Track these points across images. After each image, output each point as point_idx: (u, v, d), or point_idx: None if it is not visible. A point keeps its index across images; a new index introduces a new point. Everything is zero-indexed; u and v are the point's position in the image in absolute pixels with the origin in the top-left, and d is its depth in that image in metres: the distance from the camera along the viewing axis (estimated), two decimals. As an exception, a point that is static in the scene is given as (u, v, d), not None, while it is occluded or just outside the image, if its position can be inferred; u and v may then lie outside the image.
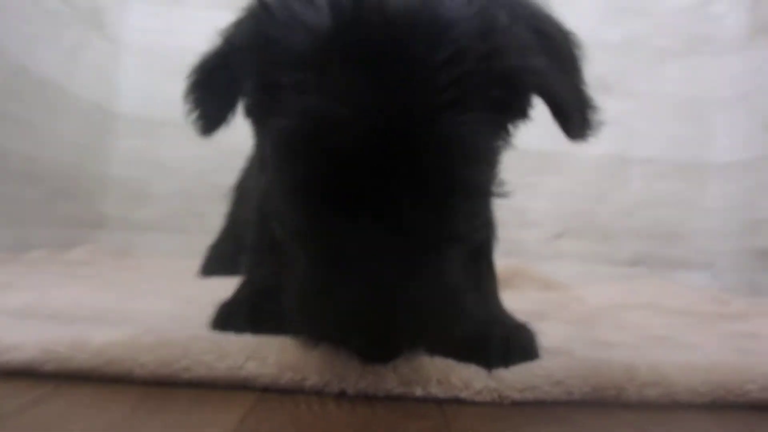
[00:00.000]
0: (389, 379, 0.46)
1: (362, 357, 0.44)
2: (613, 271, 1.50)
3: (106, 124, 1.48)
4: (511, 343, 0.51)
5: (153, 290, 0.83)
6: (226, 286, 0.96)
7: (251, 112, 0.50)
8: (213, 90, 0.51)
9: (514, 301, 0.62)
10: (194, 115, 0.52)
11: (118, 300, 0.70)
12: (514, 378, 0.47)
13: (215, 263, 1.19)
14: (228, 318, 0.57)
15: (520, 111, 0.48)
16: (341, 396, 0.45)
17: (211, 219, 1.51)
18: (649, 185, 1.52)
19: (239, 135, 1.62)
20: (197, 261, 1.26)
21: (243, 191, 1.24)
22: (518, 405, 0.46)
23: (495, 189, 0.47)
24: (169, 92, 1.49)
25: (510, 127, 0.49)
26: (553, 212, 1.51)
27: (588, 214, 1.52)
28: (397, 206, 0.41)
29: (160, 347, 0.46)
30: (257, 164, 0.68)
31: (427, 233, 0.43)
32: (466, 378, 0.46)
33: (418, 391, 0.46)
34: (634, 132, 1.47)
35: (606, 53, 1.42)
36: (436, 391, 0.46)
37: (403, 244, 0.41)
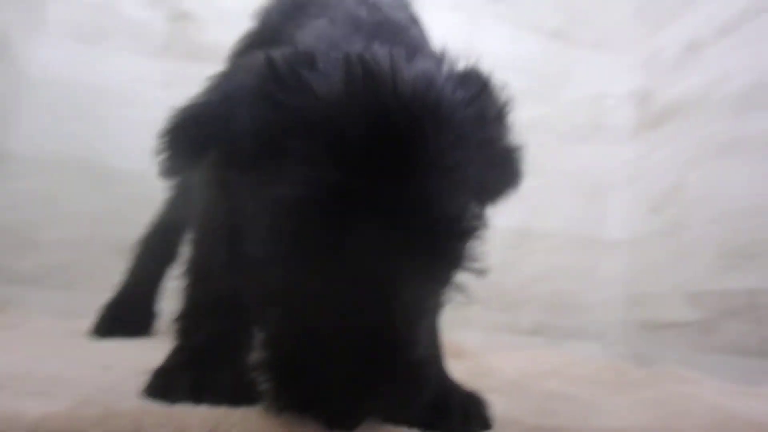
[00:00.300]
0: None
1: (329, 425, 0.43)
2: (515, 340, 1.58)
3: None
4: (470, 411, 0.53)
5: (58, 354, 0.74)
6: (135, 350, 0.89)
7: (236, 168, 0.48)
8: (194, 136, 0.48)
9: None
10: (165, 154, 0.49)
11: (26, 365, 0.62)
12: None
13: (112, 323, 1.09)
14: (167, 387, 0.53)
15: (499, 192, 0.51)
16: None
17: (106, 275, 1.39)
18: (548, 258, 1.64)
19: (142, 186, 1.55)
20: (88, 321, 1.15)
21: (149, 247, 1.17)
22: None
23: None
24: (72, 132, 1.42)
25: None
26: (461, 281, 1.57)
27: (493, 284, 1.60)
28: (393, 283, 0.42)
29: (107, 420, 0.41)
30: (210, 221, 0.65)
31: (413, 306, 0.43)
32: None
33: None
34: (537, 207, 1.60)
35: (514, 132, 1.56)
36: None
37: (387, 317, 0.41)
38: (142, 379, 0.56)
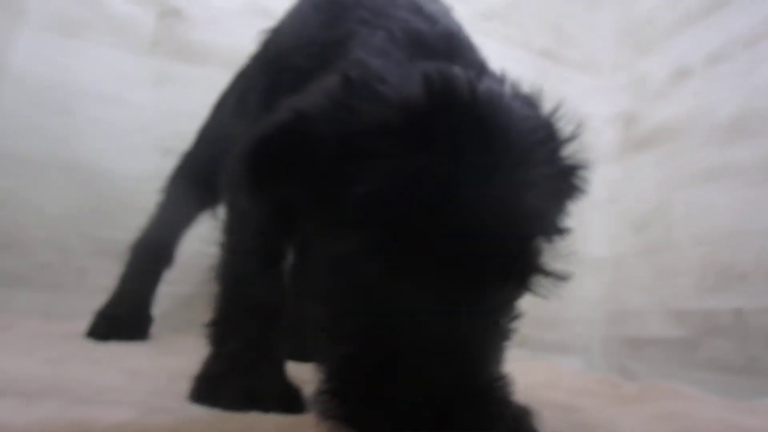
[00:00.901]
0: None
1: None
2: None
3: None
4: (521, 423, 0.53)
5: (73, 358, 0.71)
6: (145, 354, 0.87)
7: (315, 182, 0.47)
8: (275, 161, 0.47)
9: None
10: (248, 181, 0.47)
11: (53, 371, 0.59)
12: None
13: (108, 327, 1.05)
14: (215, 393, 0.53)
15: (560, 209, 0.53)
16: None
17: (90, 276, 1.34)
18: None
19: (126, 187, 1.51)
20: (75, 324, 1.10)
21: (144, 251, 1.14)
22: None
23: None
24: (53, 129, 1.36)
25: None
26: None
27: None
28: (474, 290, 0.42)
29: (182, 428, 0.40)
30: (246, 230, 0.64)
31: (488, 326, 0.44)
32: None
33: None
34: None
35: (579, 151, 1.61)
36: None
37: (471, 333, 0.42)
38: (179, 384, 0.55)
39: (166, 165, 1.23)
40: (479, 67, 0.52)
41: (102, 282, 1.25)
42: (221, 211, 1.13)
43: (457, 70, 0.45)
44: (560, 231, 0.49)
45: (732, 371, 1.20)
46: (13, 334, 0.91)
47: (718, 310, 1.27)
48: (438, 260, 0.40)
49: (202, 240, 1.22)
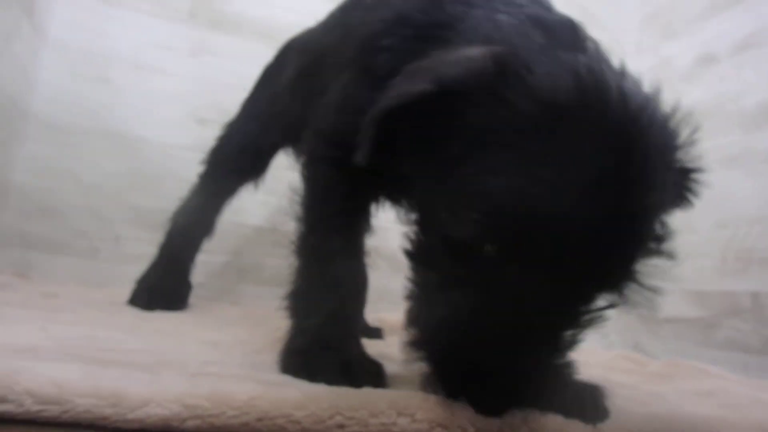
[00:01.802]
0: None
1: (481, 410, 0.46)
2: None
3: (17, 123, 1.26)
4: (595, 401, 0.57)
5: (141, 328, 0.73)
6: (201, 323, 0.88)
7: (434, 152, 0.48)
8: (405, 124, 0.48)
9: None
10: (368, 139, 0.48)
11: (142, 342, 0.61)
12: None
13: (151, 296, 1.07)
14: (309, 367, 0.54)
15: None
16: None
17: (128, 244, 1.35)
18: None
19: (162, 155, 1.51)
20: (112, 291, 1.13)
21: (184, 221, 1.15)
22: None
23: None
24: (92, 98, 1.35)
25: None
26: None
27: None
28: (578, 293, 0.45)
29: (310, 402, 0.43)
30: (328, 204, 0.66)
31: (573, 315, 0.47)
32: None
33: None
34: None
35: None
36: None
37: (549, 324, 0.45)
38: (261, 357, 0.57)
39: (202, 135, 1.24)
40: (605, 61, 0.51)
41: (137, 250, 1.27)
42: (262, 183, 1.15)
43: (606, 69, 0.45)
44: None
45: (748, 351, 1.25)
46: (63, 302, 0.92)
47: (736, 293, 1.31)
48: (552, 262, 0.42)
49: (234, 210, 1.25)
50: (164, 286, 1.09)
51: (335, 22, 0.88)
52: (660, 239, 0.48)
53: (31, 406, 0.36)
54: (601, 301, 0.48)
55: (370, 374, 0.56)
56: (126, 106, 1.38)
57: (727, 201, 1.40)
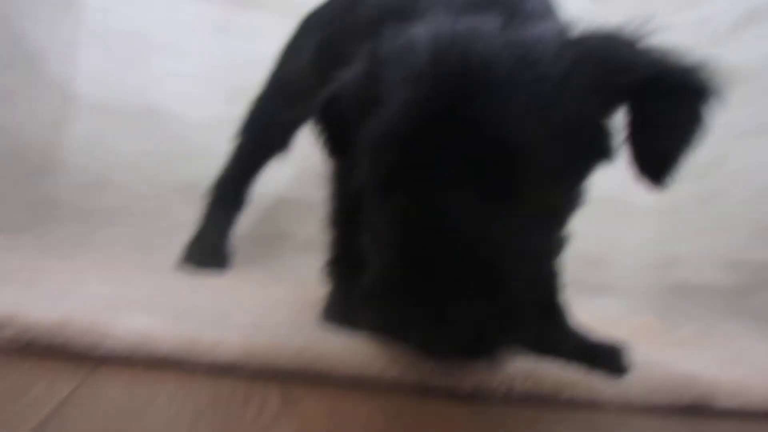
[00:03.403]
0: (549, 382, 0.53)
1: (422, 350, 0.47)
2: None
3: (67, 104, 1.34)
4: (618, 355, 0.61)
5: (202, 288, 0.80)
6: (257, 286, 0.95)
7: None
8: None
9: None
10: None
11: (205, 299, 0.68)
12: (640, 386, 0.55)
13: (197, 259, 1.16)
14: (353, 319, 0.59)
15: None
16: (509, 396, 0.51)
17: (169, 213, 1.44)
18: (578, 219, 1.72)
19: (195, 130, 1.58)
20: (159, 257, 1.21)
21: (221, 193, 1.22)
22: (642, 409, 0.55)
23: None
24: (128, 79, 1.44)
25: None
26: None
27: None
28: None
29: (348, 352, 0.48)
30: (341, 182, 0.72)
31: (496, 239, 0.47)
32: (601, 385, 0.54)
33: (567, 393, 0.53)
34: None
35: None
36: (580, 394, 0.53)
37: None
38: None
39: (230, 110, 1.30)
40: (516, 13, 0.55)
41: (180, 218, 1.35)
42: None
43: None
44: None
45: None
46: (123, 267, 1.00)
47: (769, 262, 1.32)
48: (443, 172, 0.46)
49: (268, 181, 1.32)
50: (208, 251, 1.17)
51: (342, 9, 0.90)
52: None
53: (124, 349, 0.43)
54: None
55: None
56: (161, 85, 1.45)
57: (763, 170, 1.39)
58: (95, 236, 1.37)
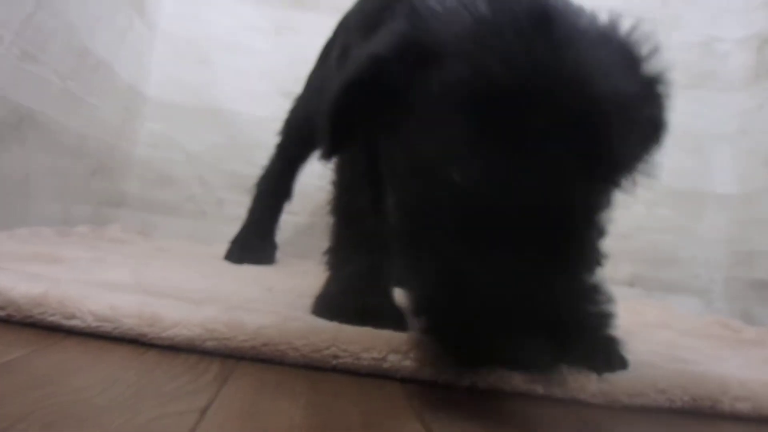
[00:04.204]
0: (516, 376, 0.51)
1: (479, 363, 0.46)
2: (611, 290, 1.58)
3: (138, 106, 1.47)
4: (610, 351, 0.57)
5: (224, 275, 0.85)
6: (276, 275, 0.99)
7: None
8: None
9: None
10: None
11: (211, 285, 0.72)
12: (625, 384, 0.52)
13: (241, 253, 1.22)
14: (333, 309, 0.60)
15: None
16: (472, 389, 0.50)
17: (228, 207, 1.54)
18: (649, 210, 1.61)
19: (252, 127, 1.66)
20: (216, 247, 1.28)
21: (266, 188, 1.27)
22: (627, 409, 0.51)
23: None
24: (192, 79, 1.54)
25: None
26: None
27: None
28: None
29: (311, 334, 0.49)
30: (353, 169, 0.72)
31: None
32: (582, 381, 0.51)
33: (540, 390, 0.51)
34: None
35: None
36: (556, 391, 0.51)
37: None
38: (302, 300, 0.64)
39: (286, 107, 1.35)
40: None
41: (236, 212, 1.43)
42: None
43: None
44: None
45: None
46: (172, 255, 1.09)
47: None
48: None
49: (318, 175, 1.35)
50: (252, 245, 1.23)
51: None
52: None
53: (91, 323, 0.47)
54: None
55: (390, 319, 0.60)
56: (222, 84, 1.55)
57: None
58: (161, 227, 1.49)
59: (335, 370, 0.49)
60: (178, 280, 0.71)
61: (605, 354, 0.57)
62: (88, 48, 1.13)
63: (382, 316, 0.60)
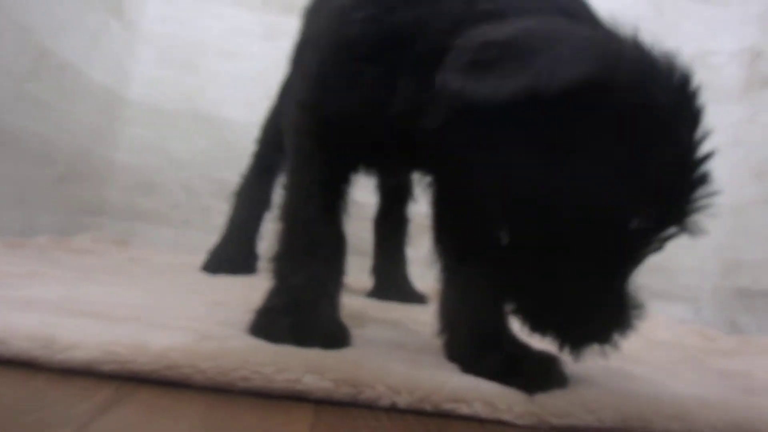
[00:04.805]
0: (439, 395, 0.48)
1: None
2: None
3: (117, 110, 1.46)
4: (547, 369, 0.55)
5: (177, 289, 0.83)
6: (240, 287, 0.97)
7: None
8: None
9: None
10: None
11: (152, 300, 0.70)
12: (553, 404, 0.49)
13: (219, 263, 1.20)
14: (270, 328, 0.58)
15: None
16: (392, 409, 0.47)
17: (215, 215, 1.52)
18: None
19: (241, 133, 1.64)
20: (199, 257, 1.26)
21: (246, 196, 1.25)
22: (555, 429, 0.49)
23: None
24: (178, 84, 1.52)
25: None
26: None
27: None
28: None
29: (220, 355, 0.47)
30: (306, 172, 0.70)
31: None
32: (510, 401, 0.49)
33: (464, 409, 0.48)
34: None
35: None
36: (480, 410, 0.48)
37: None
38: (248, 315, 0.62)
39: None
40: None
41: (223, 220, 1.41)
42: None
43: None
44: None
45: None
46: (141, 266, 1.07)
47: None
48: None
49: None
50: (229, 255, 1.21)
51: None
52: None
53: (-20, 345, 0.45)
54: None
55: (328, 336, 0.58)
56: (211, 89, 1.54)
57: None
58: (144, 235, 1.48)
59: (246, 393, 0.47)
60: (115, 296, 0.69)
61: (543, 372, 0.54)
62: (49, 49, 1.11)
63: (319, 334, 0.58)
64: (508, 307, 0.57)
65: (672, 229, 0.53)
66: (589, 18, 0.57)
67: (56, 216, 1.24)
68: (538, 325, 0.54)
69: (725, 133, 1.53)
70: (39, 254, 0.95)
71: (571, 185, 0.49)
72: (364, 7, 0.62)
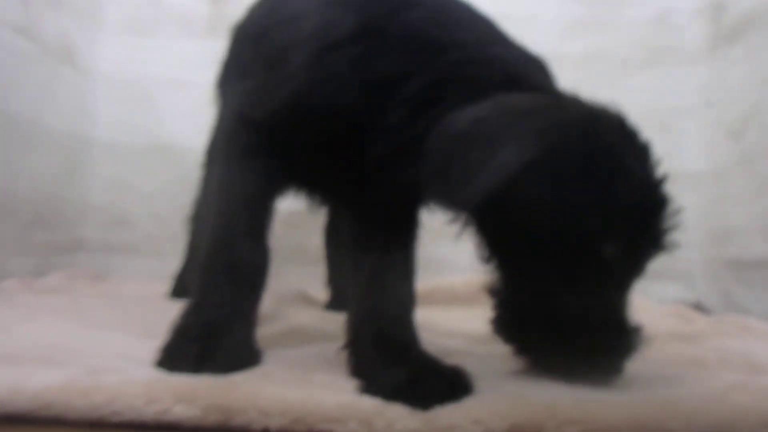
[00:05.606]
0: (312, 416, 0.48)
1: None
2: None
3: (83, 152, 1.50)
4: (450, 384, 0.53)
5: (115, 321, 0.84)
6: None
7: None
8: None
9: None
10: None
11: (78, 336, 0.72)
12: (437, 418, 0.48)
13: (183, 288, 1.22)
14: (175, 358, 0.58)
15: None
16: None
17: (183, 241, 1.54)
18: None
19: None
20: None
21: (197, 222, 1.26)
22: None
23: None
24: (137, 119, 1.55)
25: None
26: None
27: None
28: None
29: (93, 392, 0.48)
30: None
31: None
32: (390, 418, 0.48)
33: (339, 429, 0.47)
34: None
35: (568, 66, 1.44)
36: (356, 430, 0.47)
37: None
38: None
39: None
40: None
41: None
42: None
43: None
44: None
45: None
46: (110, 299, 1.09)
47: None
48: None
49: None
50: (190, 278, 1.22)
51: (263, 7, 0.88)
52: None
53: None
54: None
55: (241, 360, 0.59)
56: (169, 121, 1.56)
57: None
58: (120, 268, 1.51)
59: (120, 427, 0.47)
60: (36, 336, 0.70)
61: (445, 387, 0.53)
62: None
63: (226, 360, 0.58)
64: (512, 349, 0.63)
65: (648, 251, 0.61)
66: (533, 82, 0.64)
67: (28, 259, 1.27)
68: (545, 361, 0.61)
69: (695, 95, 1.48)
70: (5, 297, 0.98)
71: (546, 221, 0.56)
72: (355, 43, 0.64)
